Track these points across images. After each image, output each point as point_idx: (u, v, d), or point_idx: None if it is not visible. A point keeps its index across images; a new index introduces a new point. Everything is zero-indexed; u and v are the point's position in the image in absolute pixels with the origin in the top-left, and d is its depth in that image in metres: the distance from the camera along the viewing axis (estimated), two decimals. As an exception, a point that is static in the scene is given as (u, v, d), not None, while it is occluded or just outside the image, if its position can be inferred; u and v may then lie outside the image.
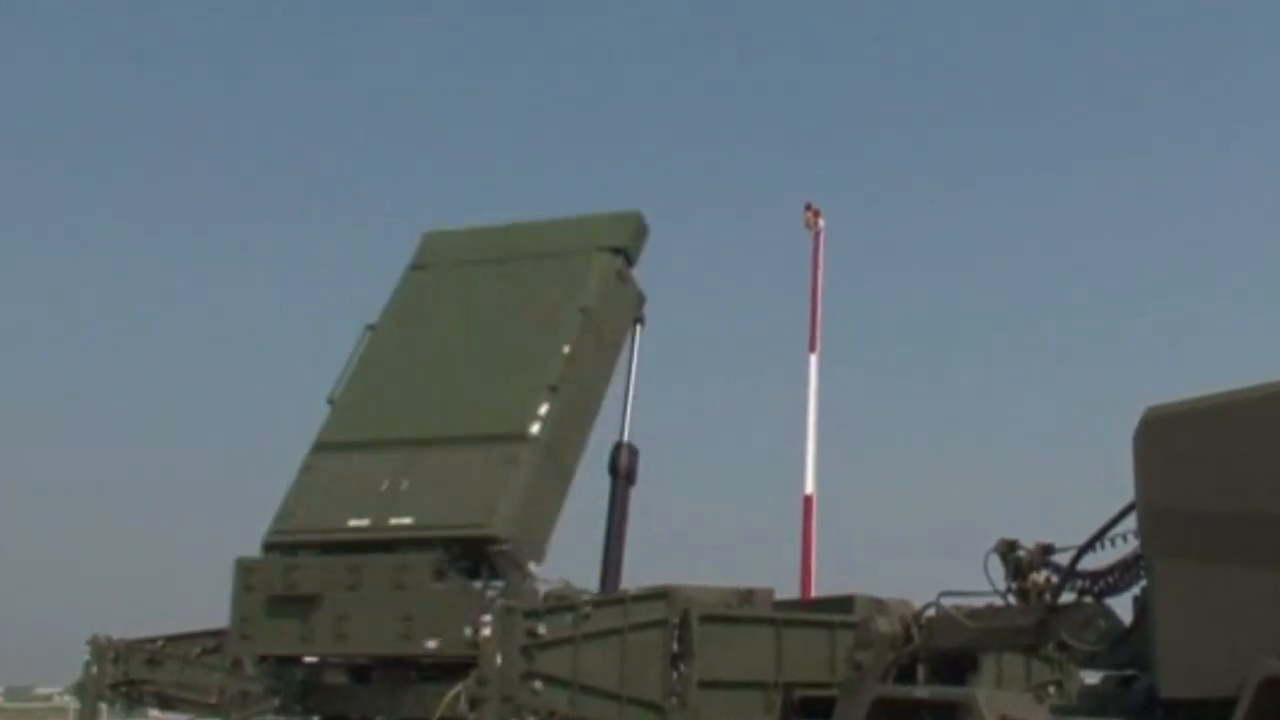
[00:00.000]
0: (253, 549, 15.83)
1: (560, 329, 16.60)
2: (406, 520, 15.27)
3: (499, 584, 14.93)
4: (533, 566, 15.60)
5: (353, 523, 15.37)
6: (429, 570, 14.63)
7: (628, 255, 17.48)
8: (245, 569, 15.36)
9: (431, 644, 14.50)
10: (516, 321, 16.85)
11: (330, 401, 16.55)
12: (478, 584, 14.77)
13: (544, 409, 16.07)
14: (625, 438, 17.61)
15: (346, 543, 15.19)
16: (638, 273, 17.89)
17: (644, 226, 17.77)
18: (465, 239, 17.97)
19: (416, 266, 17.67)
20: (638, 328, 17.88)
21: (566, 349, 16.38)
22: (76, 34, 61.64)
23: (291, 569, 15.13)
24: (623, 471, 17.43)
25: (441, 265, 17.60)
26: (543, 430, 15.96)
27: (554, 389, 16.08)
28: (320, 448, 16.17)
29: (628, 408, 17.75)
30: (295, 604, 15.03)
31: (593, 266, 17.29)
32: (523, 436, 15.76)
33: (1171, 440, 10.32)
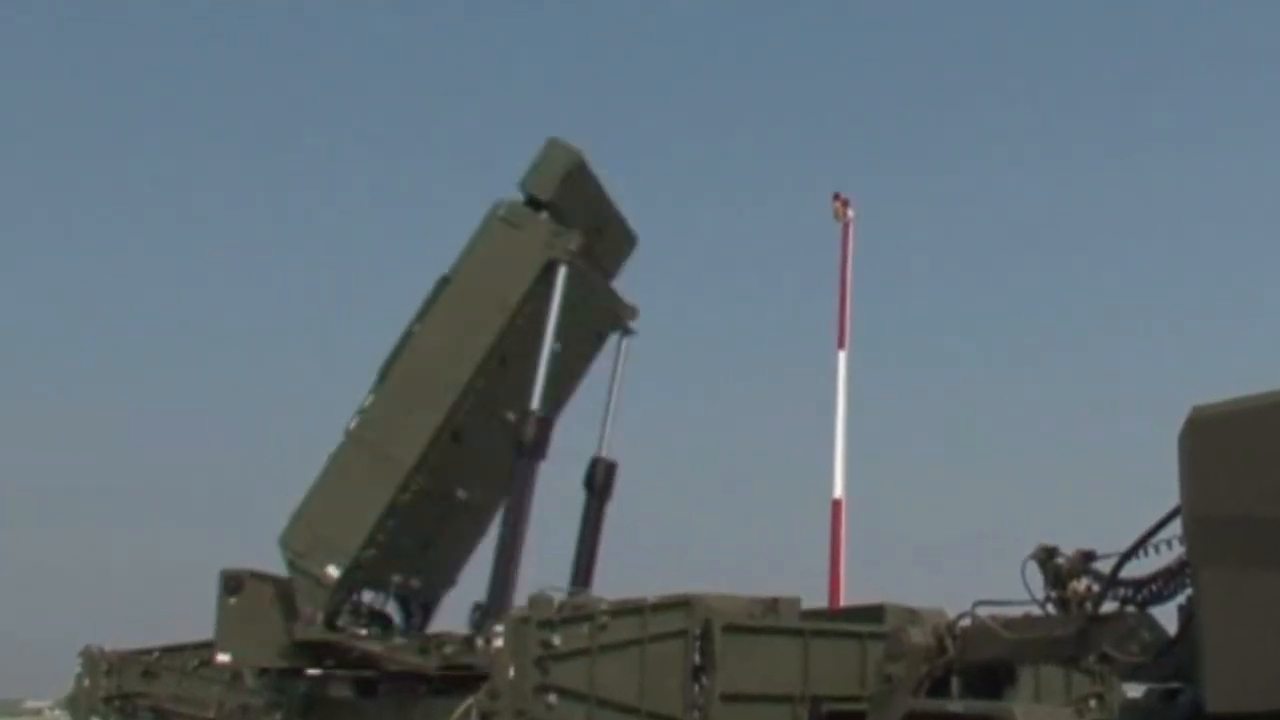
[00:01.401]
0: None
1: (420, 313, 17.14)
2: None
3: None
4: (331, 570, 16.03)
5: None
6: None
7: (552, 207, 16.98)
8: None
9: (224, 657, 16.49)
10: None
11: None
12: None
13: (368, 401, 16.52)
14: (604, 451, 17.89)
15: None
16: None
17: (574, 171, 17.12)
18: None
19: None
20: (622, 340, 18.15)
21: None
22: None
23: None
24: (597, 487, 17.59)
25: None
26: (361, 425, 16.41)
27: (382, 378, 16.48)
28: None
29: (607, 420, 17.94)
30: None
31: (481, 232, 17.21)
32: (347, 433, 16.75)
33: (1218, 441, 10.32)
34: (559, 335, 16.62)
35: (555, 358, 16.65)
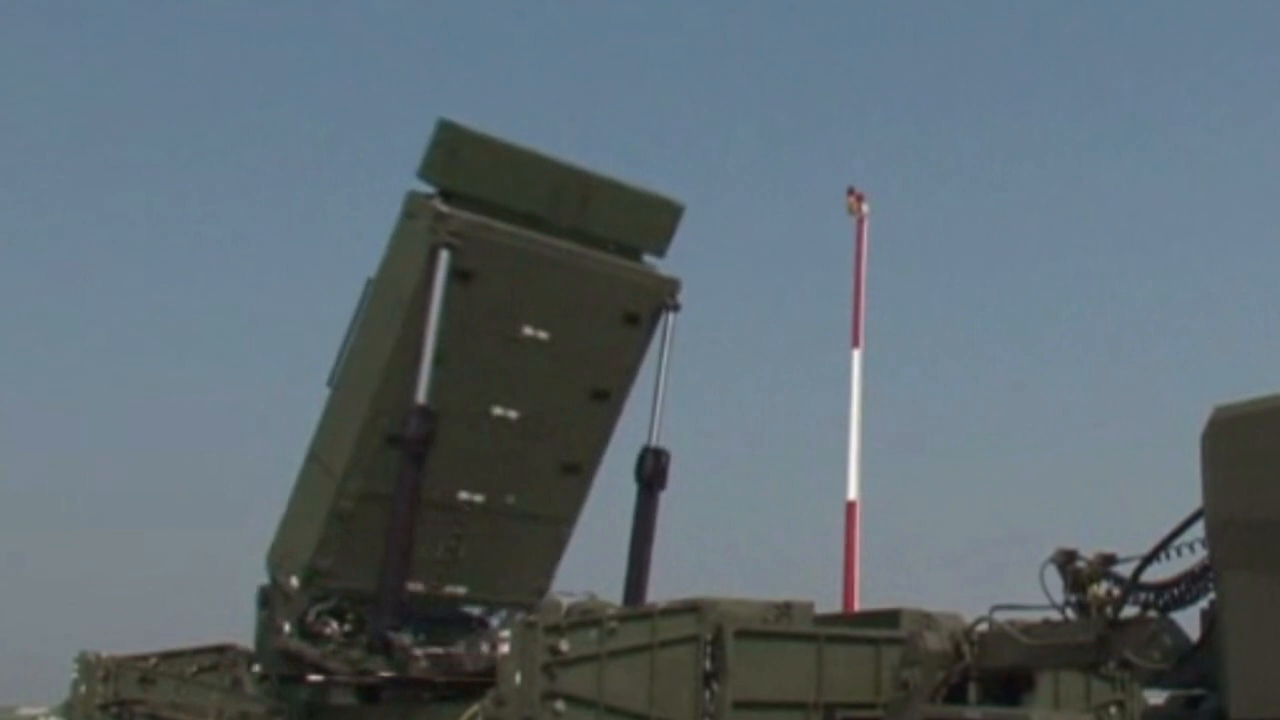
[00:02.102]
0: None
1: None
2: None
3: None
4: (293, 580, 16.26)
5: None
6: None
7: (451, 191, 16.48)
8: None
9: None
10: None
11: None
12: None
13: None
14: (654, 441, 17.73)
15: None
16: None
17: (467, 149, 16.42)
18: None
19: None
20: (669, 316, 17.69)
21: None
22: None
23: None
24: (649, 478, 17.55)
25: None
26: (313, 436, 16.65)
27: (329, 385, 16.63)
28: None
29: (657, 408, 17.77)
30: None
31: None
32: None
33: (1242, 442, 10.32)
34: (540, 324, 16.65)
35: (538, 345, 16.71)
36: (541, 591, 17.65)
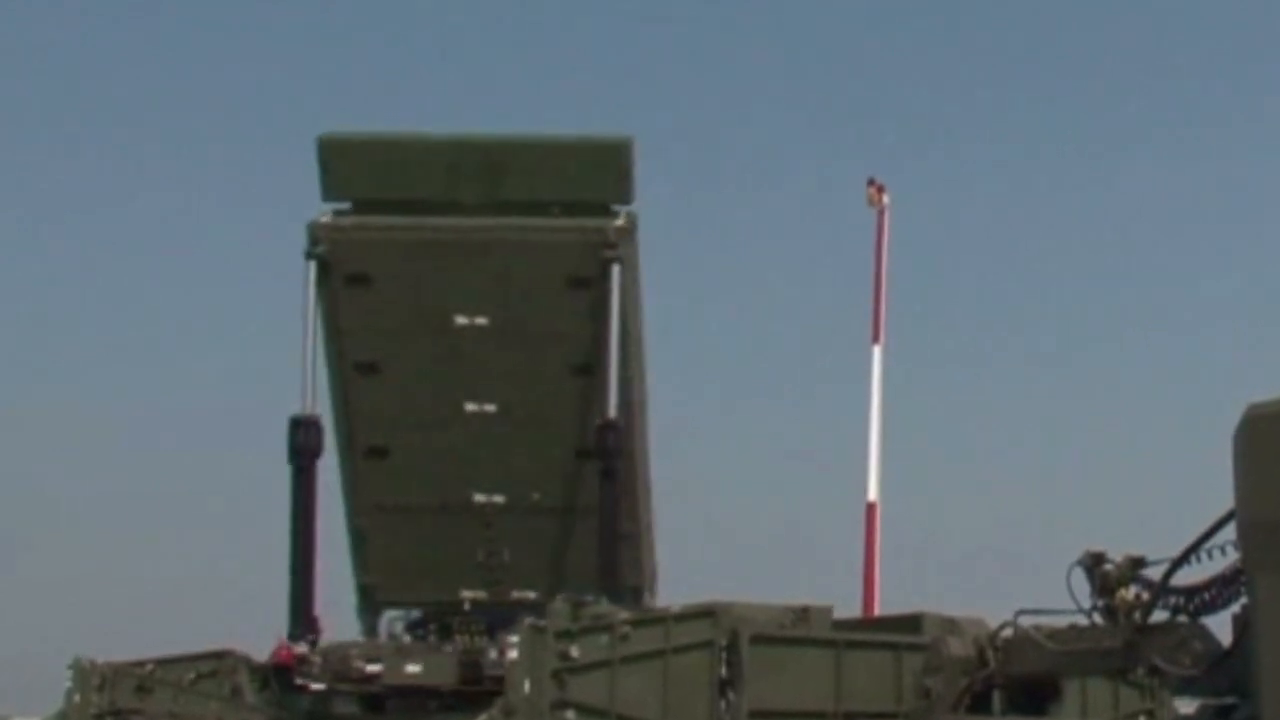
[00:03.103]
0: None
1: None
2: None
3: None
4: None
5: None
6: None
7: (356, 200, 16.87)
8: None
9: None
10: None
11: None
12: None
13: None
14: (612, 412, 17.18)
15: None
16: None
17: (340, 157, 16.63)
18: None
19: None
20: (614, 269, 17.07)
21: None
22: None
23: None
24: (610, 451, 17.21)
25: None
26: None
27: None
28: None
29: (610, 377, 17.15)
30: None
31: None
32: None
33: (1276, 440, 10.32)
34: (472, 310, 16.62)
35: (481, 333, 16.70)
36: (637, 591, 17.68)
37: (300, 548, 16.36)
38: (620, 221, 17.05)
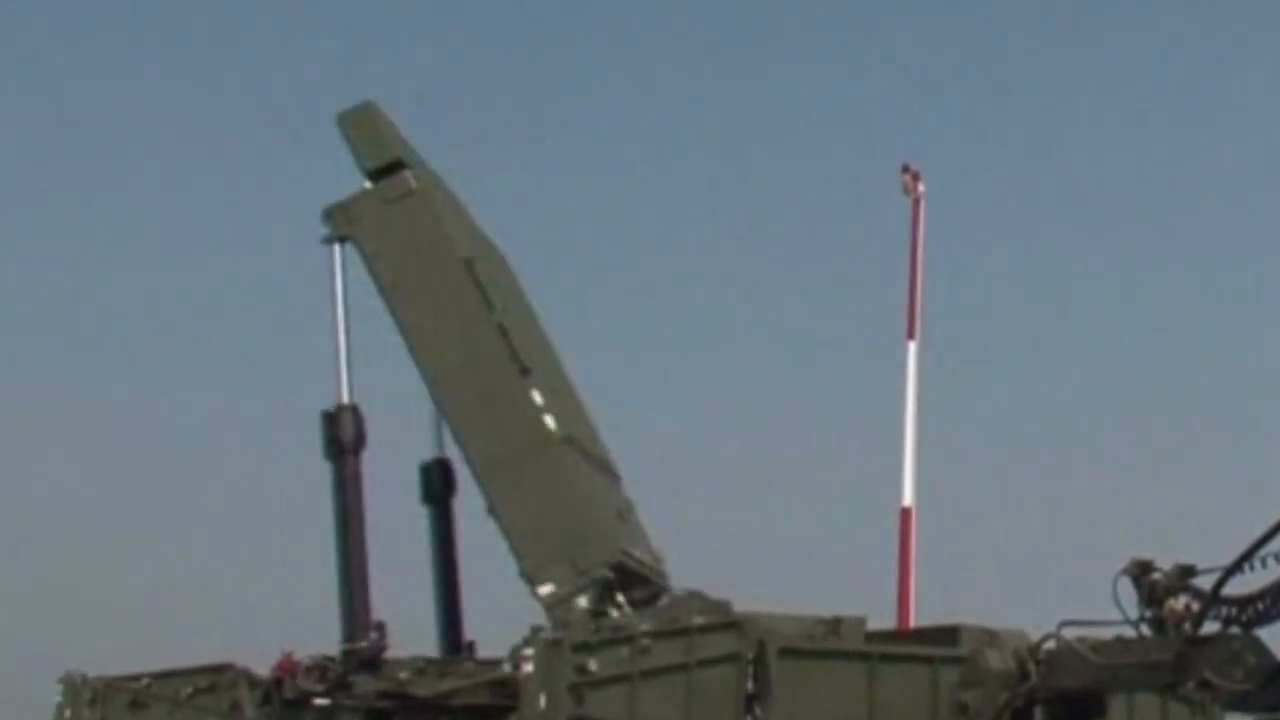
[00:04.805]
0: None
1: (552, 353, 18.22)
2: (648, 558, 16.94)
3: None
4: None
5: (634, 552, 16.53)
6: None
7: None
8: None
9: None
10: (522, 318, 17.97)
11: (528, 371, 16.71)
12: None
13: None
14: (346, 399, 17.12)
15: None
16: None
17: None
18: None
19: (402, 162, 17.49)
20: (335, 249, 17.21)
21: None
22: None
23: None
24: (348, 445, 16.88)
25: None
26: None
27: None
28: (569, 442, 16.76)
29: (341, 366, 17.15)
30: None
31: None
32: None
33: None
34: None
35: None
36: None
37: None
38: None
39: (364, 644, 15.98)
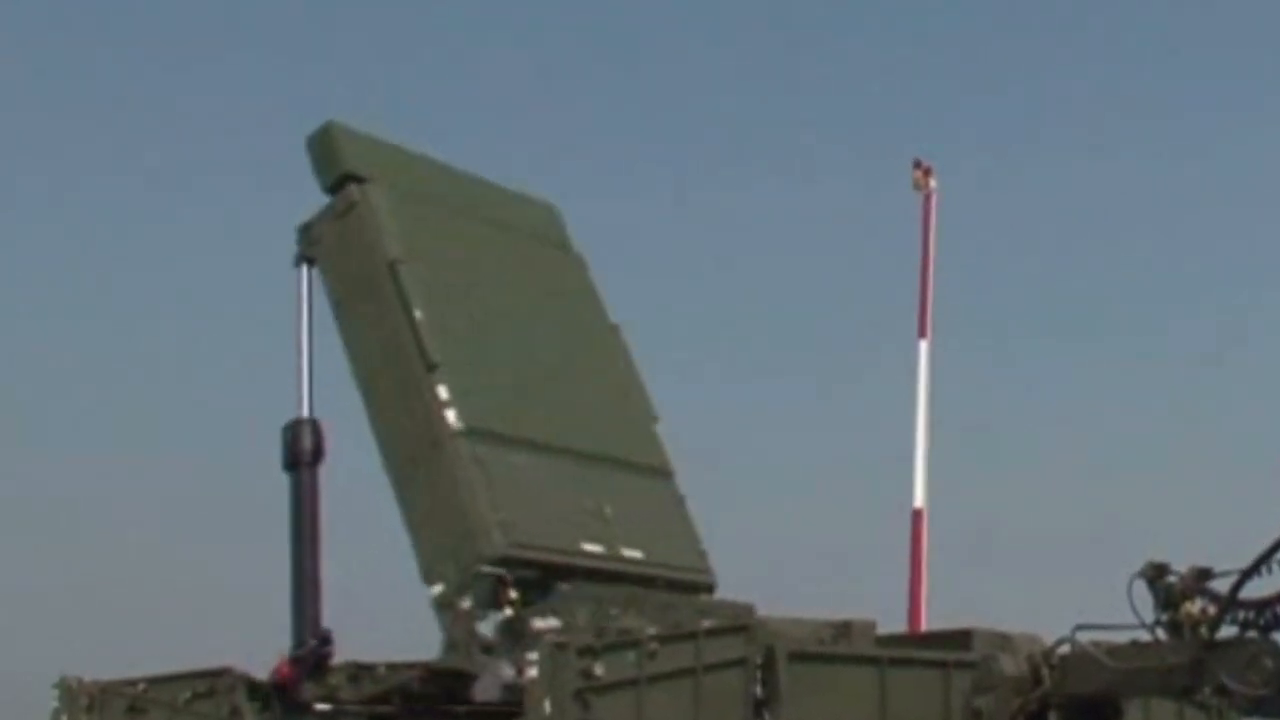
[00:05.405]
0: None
1: (609, 349, 18.34)
2: (637, 554, 16.84)
3: None
4: None
5: (586, 547, 16.41)
6: None
7: None
8: None
9: None
10: (545, 312, 18.08)
11: (434, 366, 16.52)
12: None
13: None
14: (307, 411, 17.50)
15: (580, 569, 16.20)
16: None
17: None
18: (401, 160, 18.09)
19: (353, 175, 17.35)
20: (302, 269, 17.51)
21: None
22: None
23: None
24: (305, 457, 17.22)
25: (397, 187, 17.61)
26: None
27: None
28: (475, 435, 16.42)
29: (303, 377, 17.50)
30: None
31: (579, 273, 18.53)
32: (670, 476, 18.03)
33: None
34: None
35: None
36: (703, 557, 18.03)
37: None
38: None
39: (303, 653, 16.19)
